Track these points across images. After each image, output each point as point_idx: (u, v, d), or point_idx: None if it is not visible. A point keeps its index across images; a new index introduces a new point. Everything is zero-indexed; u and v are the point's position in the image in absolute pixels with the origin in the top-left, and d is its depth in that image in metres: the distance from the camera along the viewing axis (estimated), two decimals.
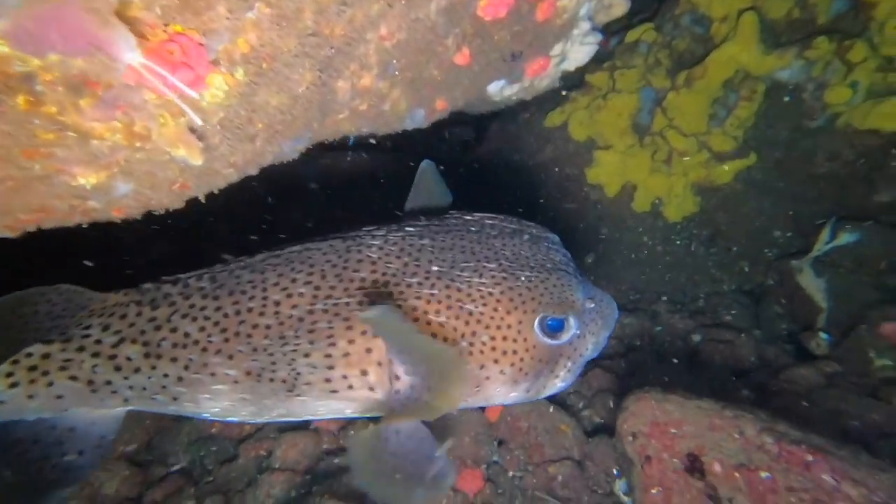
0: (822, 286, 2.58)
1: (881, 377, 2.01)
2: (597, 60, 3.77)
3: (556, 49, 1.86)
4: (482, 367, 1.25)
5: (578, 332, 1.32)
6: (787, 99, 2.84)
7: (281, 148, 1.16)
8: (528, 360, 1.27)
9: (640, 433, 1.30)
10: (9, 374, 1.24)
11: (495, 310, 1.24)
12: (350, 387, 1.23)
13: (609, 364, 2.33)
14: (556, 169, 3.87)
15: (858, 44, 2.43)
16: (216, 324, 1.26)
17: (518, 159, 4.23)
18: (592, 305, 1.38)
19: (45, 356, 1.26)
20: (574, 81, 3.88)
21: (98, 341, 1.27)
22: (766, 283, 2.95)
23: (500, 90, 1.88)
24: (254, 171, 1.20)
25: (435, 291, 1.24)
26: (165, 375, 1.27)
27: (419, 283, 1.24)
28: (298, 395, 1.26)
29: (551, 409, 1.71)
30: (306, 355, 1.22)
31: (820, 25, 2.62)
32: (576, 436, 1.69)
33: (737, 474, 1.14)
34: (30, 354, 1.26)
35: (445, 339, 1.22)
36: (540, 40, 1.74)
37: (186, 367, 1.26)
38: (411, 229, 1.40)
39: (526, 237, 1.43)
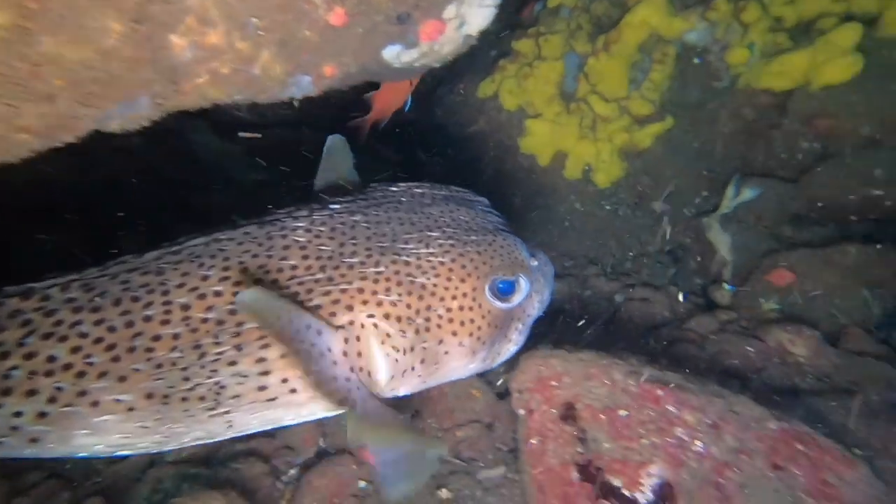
0: (727, 240, 2.81)
1: (766, 319, 2.26)
2: (523, 27, 3.81)
3: (450, 11, 1.84)
4: (441, 342, 1.20)
5: (515, 302, 1.31)
6: (696, 61, 2.99)
7: (104, 113, 1.05)
8: (485, 327, 1.25)
9: (526, 389, 1.41)
10: None
11: (449, 279, 1.20)
12: (293, 391, 1.12)
13: (534, 329, 2.47)
14: (491, 140, 3.92)
15: (751, 4, 2.58)
16: (98, 341, 1.07)
17: (454, 131, 4.24)
18: (536, 263, 1.39)
19: None
20: (505, 49, 3.90)
21: None
22: (684, 242, 3.17)
23: (396, 56, 1.85)
24: (70, 139, 1.07)
25: (381, 269, 1.17)
26: (17, 414, 1.06)
27: (362, 263, 1.16)
28: (226, 412, 1.13)
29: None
30: (232, 363, 1.09)
31: None
32: (487, 400, 1.80)
33: (602, 416, 1.27)
34: None
35: (399, 319, 1.15)
36: (427, 1, 1.72)
37: (52, 400, 1.06)
38: (337, 206, 1.31)
39: (459, 202, 1.43)
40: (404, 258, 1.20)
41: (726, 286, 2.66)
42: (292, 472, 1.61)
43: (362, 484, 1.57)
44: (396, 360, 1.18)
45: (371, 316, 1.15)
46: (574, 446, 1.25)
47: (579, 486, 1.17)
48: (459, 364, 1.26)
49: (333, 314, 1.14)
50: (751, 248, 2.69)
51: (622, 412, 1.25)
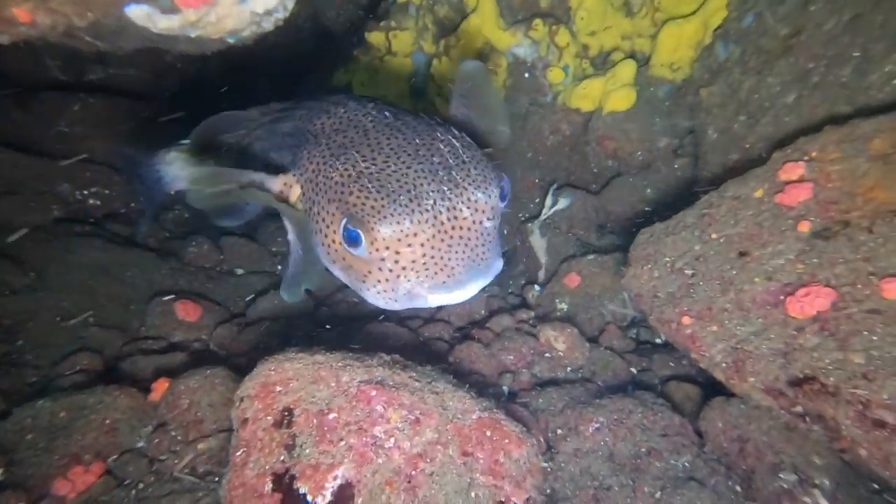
0: (543, 245, 3.15)
1: (552, 318, 2.57)
2: (376, 18, 3.81)
3: None
4: (312, 231, 1.58)
5: (367, 255, 1.40)
6: (526, 75, 3.28)
7: None
8: (335, 251, 1.50)
9: (248, 396, 1.37)
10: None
11: (325, 193, 1.51)
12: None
13: (341, 330, 2.50)
14: None
15: (562, 29, 2.90)
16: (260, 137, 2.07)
17: None
18: (423, 252, 1.37)
19: None
20: (362, 37, 3.85)
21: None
22: (515, 245, 3.47)
23: (148, 18, 1.66)
24: None
25: (315, 157, 1.58)
26: None
27: (318, 146, 1.60)
28: None
29: (224, 381, 1.74)
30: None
31: (542, 8, 3.06)
32: None
33: (315, 420, 1.28)
34: None
35: (304, 194, 1.60)
36: None
37: None
38: (375, 112, 1.65)
39: (438, 156, 1.48)
40: (328, 159, 1.56)
41: (536, 287, 2.97)
42: None
43: None
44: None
45: (298, 181, 1.67)
46: (279, 455, 1.24)
47: (269, 497, 1.16)
48: (324, 261, 1.60)
49: (289, 163, 1.71)
50: (560, 253, 3.05)
51: (332, 415, 1.28)
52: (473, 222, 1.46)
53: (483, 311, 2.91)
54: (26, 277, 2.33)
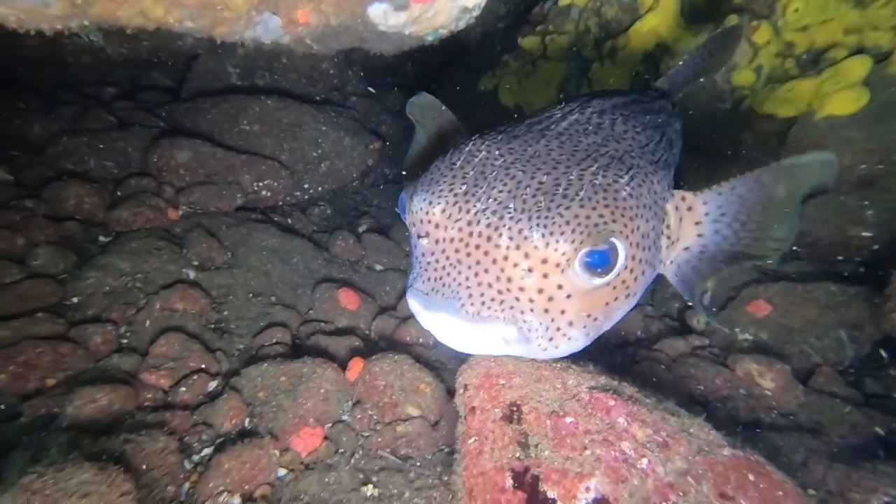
0: None
1: (739, 348, 2.23)
2: (532, 24, 3.79)
3: None
4: None
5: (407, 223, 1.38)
6: (702, 80, 2.99)
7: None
8: None
9: (472, 385, 1.34)
10: None
11: None
12: None
13: None
14: None
15: (764, 26, 2.59)
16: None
17: None
18: (434, 249, 1.22)
19: None
20: (512, 45, 3.87)
21: None
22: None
23: (383, 16, 1.80)
24: None
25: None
26: None
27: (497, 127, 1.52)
28: None
29: (410, 368, 1.73)
30: None
31: (735, 3, 2.76)
32: (435, 396, 1.73)
33: (547, 421, 1.21)
34: None
35: None
36: None
37: None
38: (565, 114, 1.51)
39: (551, 177, 1.21)
40: (473, 138, 1.55)
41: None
42: (206, 451, 1.52)
43: (281, 472, 1.48)
44: None
45: None
46: (513, 451, 1.18)
47: (512, 493, 1.11)
48: None
49: None
50: (732, 277, 2.68)
51: (569, 419, 1.19)
52: (504, 258, 1.14)
53: (638, 331, 2.65)
54: (225, 255, 2.63)
